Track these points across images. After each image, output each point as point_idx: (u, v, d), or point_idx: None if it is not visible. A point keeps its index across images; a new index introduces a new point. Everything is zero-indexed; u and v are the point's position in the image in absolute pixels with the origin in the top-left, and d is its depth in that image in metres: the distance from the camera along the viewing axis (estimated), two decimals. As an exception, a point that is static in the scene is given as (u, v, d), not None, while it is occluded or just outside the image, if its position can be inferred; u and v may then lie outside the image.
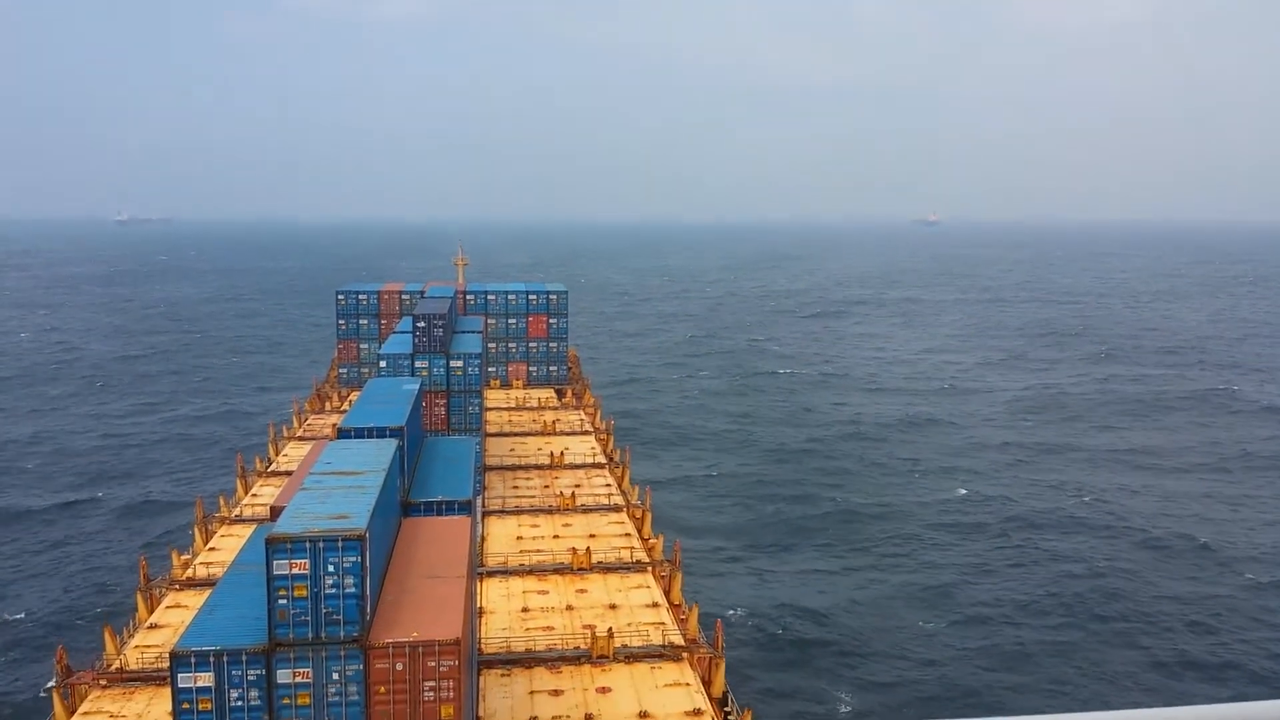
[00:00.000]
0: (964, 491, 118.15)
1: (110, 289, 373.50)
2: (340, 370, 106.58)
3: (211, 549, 57.38)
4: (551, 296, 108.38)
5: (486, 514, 64.09)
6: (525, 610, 50.10)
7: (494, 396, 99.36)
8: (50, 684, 42.52)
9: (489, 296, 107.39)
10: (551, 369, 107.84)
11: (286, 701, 27.65)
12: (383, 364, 72.02)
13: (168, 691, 29.80)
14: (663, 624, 48.49)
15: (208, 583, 50.03)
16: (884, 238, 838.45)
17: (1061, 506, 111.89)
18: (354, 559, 28.04)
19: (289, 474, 63.44)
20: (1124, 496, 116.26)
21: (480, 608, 49.63)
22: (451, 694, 28.50)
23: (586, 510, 65.51)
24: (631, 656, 45.07)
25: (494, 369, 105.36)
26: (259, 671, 27.43)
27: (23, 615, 78.07)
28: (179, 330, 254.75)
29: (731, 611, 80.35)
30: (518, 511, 65.11)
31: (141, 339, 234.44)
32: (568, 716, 40.23)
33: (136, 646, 44.55)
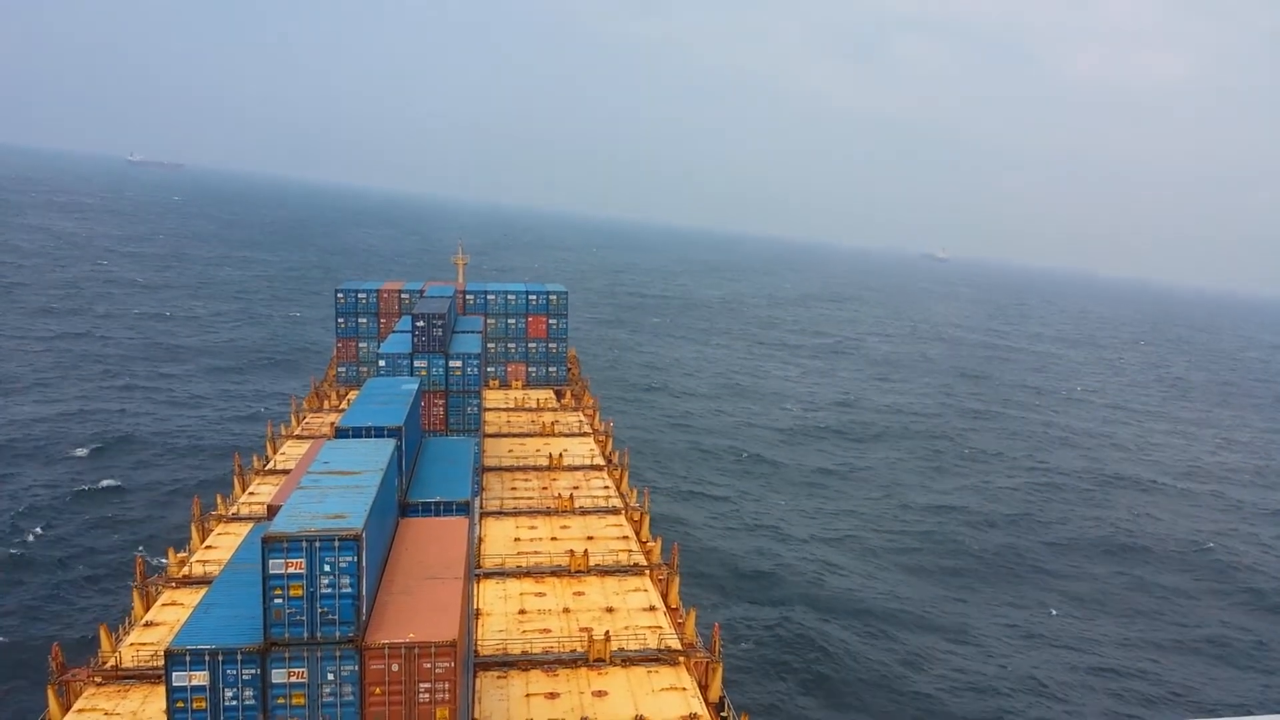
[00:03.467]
0: (964, 497, 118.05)
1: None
2: (339, 369, 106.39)
3: (208, 547, 57.20)
4: (551, 297, 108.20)
5: (484, 515, 63.93)
6: (522, 612, 49.94)
7: (493, 397, 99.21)
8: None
9: (488, 296, 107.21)
10: (551, 370, 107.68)
11: (281, 701, 27.57)
12: (381, 363, 71.88)
13: (163, 690, 29.74)
14: (660, 628, 48.35)
15: (204, 581, 49.88)
16: (891, 269, 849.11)
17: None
18: (350, 559, 27.94)
19: (286, 473, 63.36)
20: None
21: (477, 609, 49.47)
22: (447, 696, 28.39)
23: (584, 512, 65.34)
24: (628, 660, 44.92)
25: (493, 369, 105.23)
26: (254, 671, 27.35)
27: (16, 611, 77.87)
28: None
29: (729, 616, 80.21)
30: (515, 513, 64.93)
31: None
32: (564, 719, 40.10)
33: (132, 644, 44.39)
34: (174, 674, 26.78)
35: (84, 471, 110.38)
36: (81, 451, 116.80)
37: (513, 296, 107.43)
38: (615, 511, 65.86)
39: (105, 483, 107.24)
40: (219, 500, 65.42)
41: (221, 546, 56.14)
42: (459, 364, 72.29)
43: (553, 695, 41.91)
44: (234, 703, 27.24)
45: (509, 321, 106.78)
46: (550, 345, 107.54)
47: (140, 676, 41.12)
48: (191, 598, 47.74)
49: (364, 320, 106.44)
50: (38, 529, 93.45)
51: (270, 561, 27.51)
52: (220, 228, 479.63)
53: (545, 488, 70.67)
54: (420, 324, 72.91)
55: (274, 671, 27.50)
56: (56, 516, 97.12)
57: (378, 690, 28.09)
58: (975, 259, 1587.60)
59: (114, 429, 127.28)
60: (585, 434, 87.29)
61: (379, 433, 43.86)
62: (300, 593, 27.69)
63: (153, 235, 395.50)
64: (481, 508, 64.40)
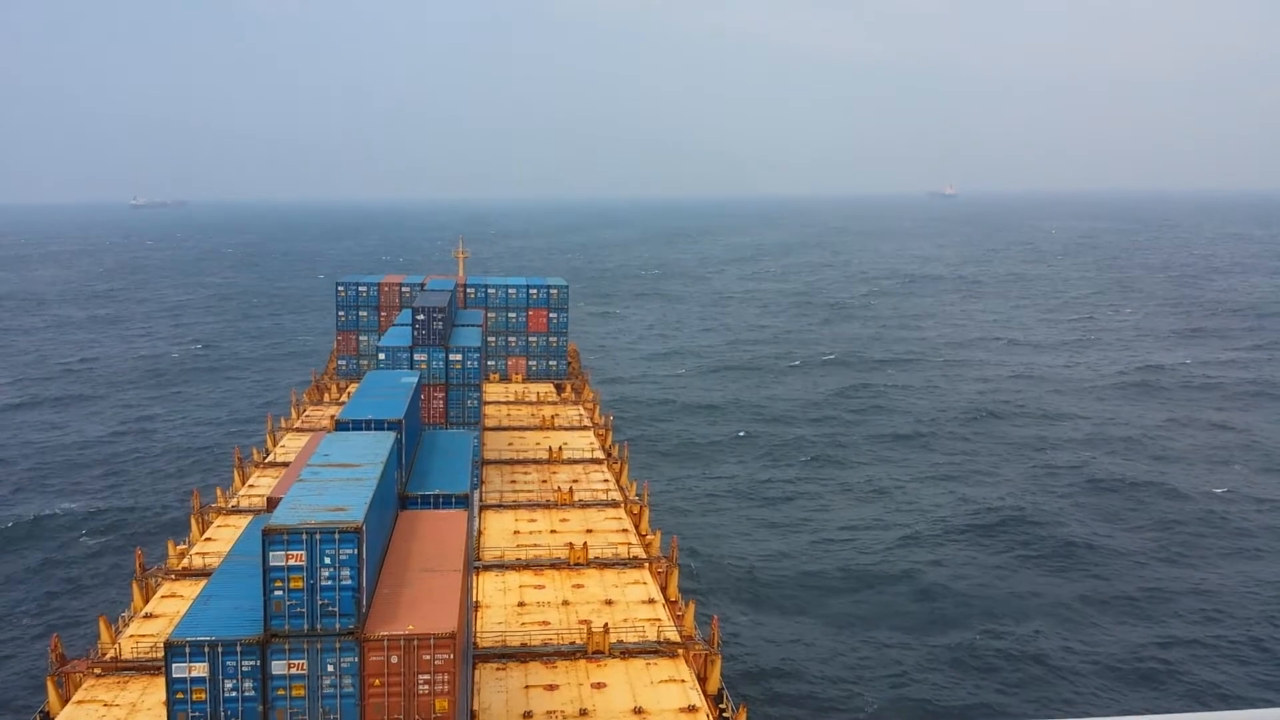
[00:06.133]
0: (967, 490, 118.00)
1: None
2: (339, 362, 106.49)
3: (208, 539, 57.31)
4: (552, 290, 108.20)
5: (484, 508, 64.02)
6: (521, 605, 50.05)
7: (493, 390, 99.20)
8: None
9: (489, 290, 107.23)
10: (551, 363, 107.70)
11: (281, 693, 27.64)
12: (382, 356, 71.95)
13: (162, 681, 29.77)
14: (659, 620, 48.46)
15: (204, 573, 49.93)
16: (893, 210, 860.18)
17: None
18: (350, 551, 28.00)
19: (286, 465, 63.35)
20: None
21: (476, 602, 49.57)
22: (446, 687, 28.47)
23: (584, 505, 65.43)
24: (627, 652, 45.04)
25: (493, 363, 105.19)
26: (254, 662, 27.41)
27: (15, 602, 78.04)
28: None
29: (729, 608, 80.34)
30: (515, 506, 65.02)
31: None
32: (562, 711, 40.19)
33: (132, 636, 44.48)
34: (174, 665, 26.83)
35: (83, 467, 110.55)
36: (81, 445, 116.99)
37: (513, 290, 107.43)
38: (615, 505, 65.95)
39: (104, 478, 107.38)
40: (218, 493, 65.57)
41: (221, 539, 56.23)
42: (459, 357, 72.33)
43: (551, 687, 42.02)
44: (234, 694, 27.31)
45: (509, 315, 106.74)
46: (551, 339, 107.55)
47: (140, 668, 41.21)
48: (191, 590, 47.78)
49: (364, 313, 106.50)
50: (38, 523, 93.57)
51: (271, 554, 27.58)
52: (206, 258, 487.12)
53: (545, 481, 70.74)
54: (420, 317, 72.97)
55: (274, 663, 27.56)
56: (56, 511, 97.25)
57: (377, 682, 28.17)
58: (985, 192, 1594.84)
59: (112, 432, 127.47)
60: (585, 428, 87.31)
61: (379, 426, 43.91)
62: (300, 585, 27.75)
63: (136, 271, 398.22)
64: (481, 501, 64.50)
